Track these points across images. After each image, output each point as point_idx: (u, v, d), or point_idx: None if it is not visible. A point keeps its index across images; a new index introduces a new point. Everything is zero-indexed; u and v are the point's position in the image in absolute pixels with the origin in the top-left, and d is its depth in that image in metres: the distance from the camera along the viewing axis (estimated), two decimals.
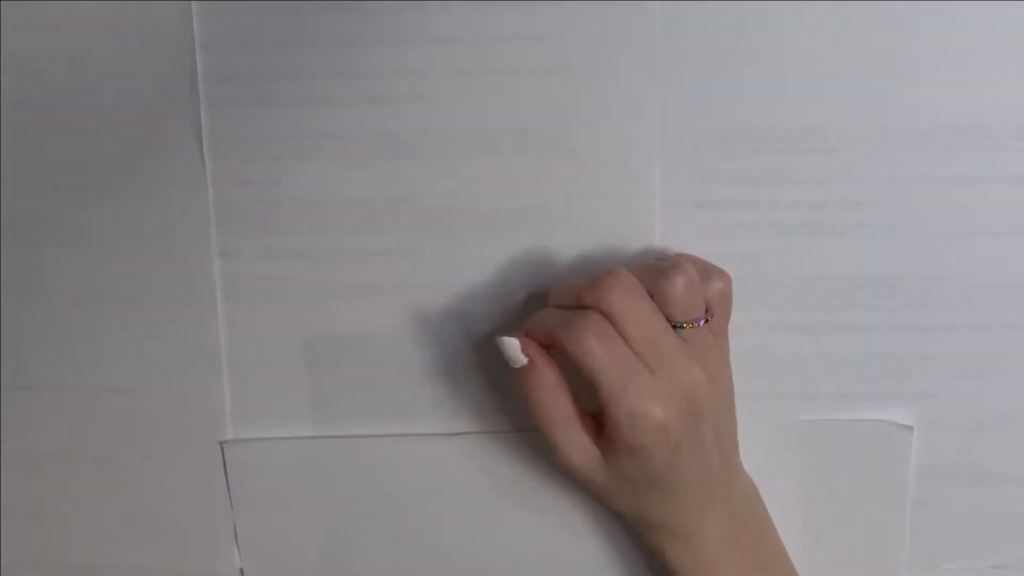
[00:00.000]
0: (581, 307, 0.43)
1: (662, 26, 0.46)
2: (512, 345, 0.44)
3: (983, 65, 0.46)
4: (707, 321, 0.44)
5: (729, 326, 0.47)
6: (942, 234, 0.48)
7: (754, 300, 0.49)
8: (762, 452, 0.49)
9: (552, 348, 0.44)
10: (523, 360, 0.44)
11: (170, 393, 0.51)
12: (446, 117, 0.48)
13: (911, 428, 0.50)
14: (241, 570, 0.53)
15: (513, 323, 0.49)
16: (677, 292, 0.43)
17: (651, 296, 0.43)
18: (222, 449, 0.51)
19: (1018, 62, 0.46)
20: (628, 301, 0.42)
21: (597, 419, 0.44)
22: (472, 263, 0.49)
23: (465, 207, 0.49)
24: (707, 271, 0.45)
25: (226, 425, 0.51)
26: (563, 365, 0.44)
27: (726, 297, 0.45)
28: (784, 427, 0.50)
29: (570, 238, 0.49)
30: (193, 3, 0.47)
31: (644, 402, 0.42)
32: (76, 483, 0.53)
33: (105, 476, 0.52)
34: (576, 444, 0.44)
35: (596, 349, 0.41)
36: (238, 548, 0.53)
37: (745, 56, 0.47)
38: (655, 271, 0.44)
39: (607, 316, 0.42)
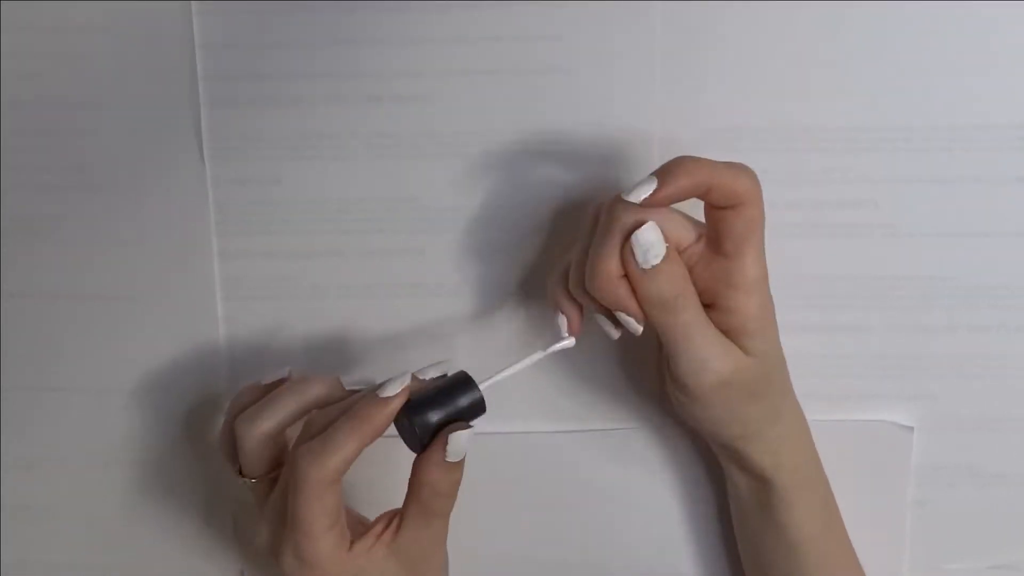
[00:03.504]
0: None
1: (662, 26, 0.46)
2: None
3: (983, 65, 0.46)
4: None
5: None
6: (942, 234, 0.48)
7: None
8: None
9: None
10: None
11: (170, 393, 0.51)
12: (446, 117, 0.48)
13: (911, 428, 0.50)
14: (242, 571, 0.53)
15: (512, 323, 0.49)
16: None
17: None
18: None
19: (1018, 62, 0.46)
20: None
21: None
22: (472, 263, 0.49)
23: (465, 207, 0.49)
24: None
25: None
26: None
27: None
28: None
29: (570, 238, 0.49)
30: (193, 3, 0.47)
31: None
32: (76, 483, 0.53)
33: (105, 476, 0.52)
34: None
35: None
36: (238, 548, 0.53)
37: (745, 56, 0.47)
38: None
39: None
